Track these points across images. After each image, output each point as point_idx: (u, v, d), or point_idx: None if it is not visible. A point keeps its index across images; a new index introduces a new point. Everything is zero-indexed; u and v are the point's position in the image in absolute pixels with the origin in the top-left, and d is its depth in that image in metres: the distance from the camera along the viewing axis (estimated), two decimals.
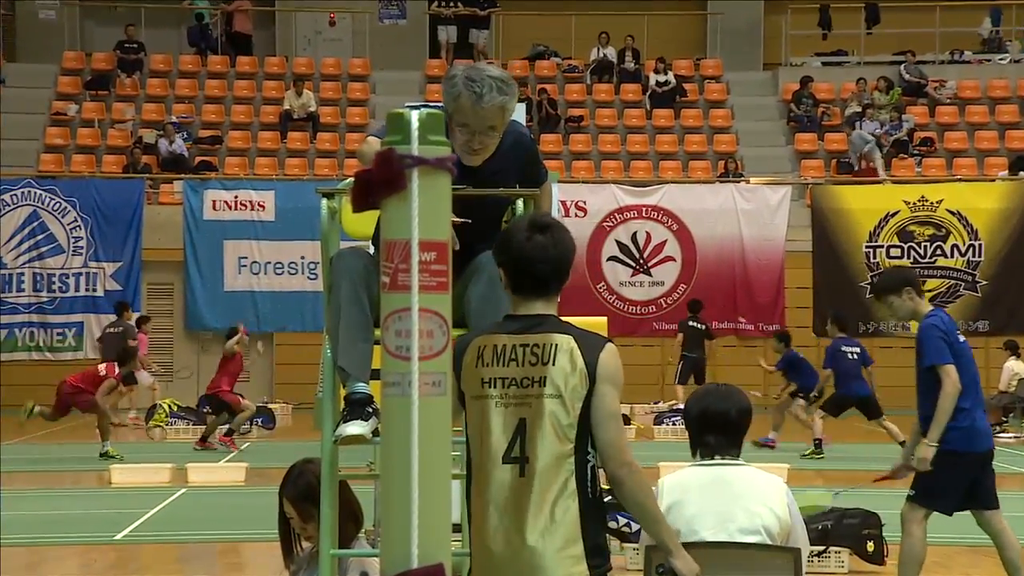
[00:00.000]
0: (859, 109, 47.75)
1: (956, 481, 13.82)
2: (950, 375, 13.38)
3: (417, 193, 3.65)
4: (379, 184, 3.65)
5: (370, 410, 7.63)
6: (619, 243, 43.28)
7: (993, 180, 44.72)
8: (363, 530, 8.77)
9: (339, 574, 8.64)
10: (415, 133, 3.68)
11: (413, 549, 3.73)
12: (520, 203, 8.19)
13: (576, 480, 7.45)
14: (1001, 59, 50.84)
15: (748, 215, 43.64)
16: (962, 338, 14.28)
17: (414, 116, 3.69)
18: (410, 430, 3.69)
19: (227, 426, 30.39)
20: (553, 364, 7.43)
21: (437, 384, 3.73)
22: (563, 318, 7.57)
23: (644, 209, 43.56)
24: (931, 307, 14.54)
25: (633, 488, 7.53)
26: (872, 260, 43.17)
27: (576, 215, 42.36)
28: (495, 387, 7.41)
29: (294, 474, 9.11)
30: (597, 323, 12.71)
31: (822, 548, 16.50)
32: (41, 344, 39.55)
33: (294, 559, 9.06)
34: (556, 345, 7.48)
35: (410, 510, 3.70)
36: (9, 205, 41.95)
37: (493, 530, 7.46)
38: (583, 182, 44.19)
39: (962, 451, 13.63)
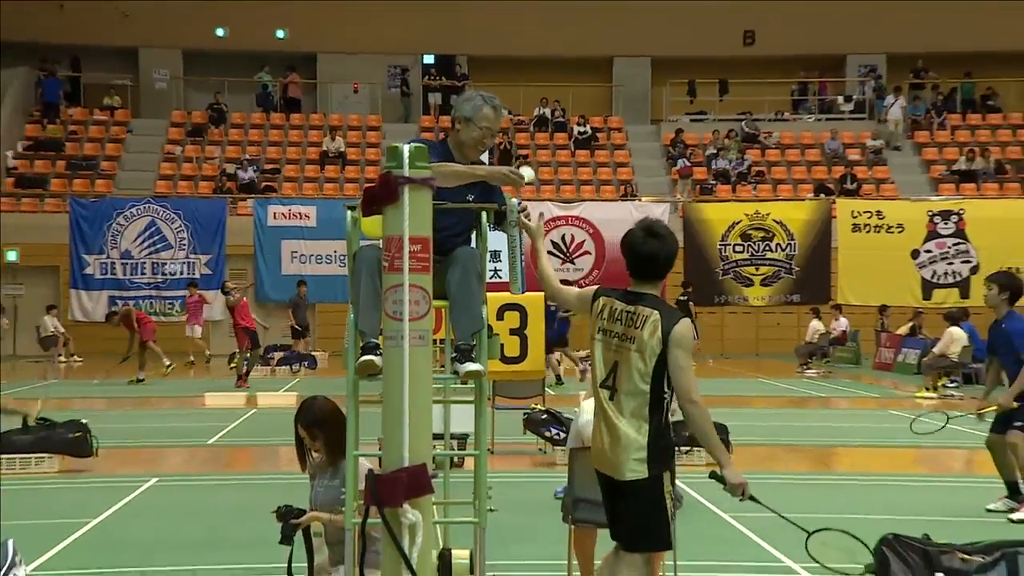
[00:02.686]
0: (715, 151, 47.70)
1: None
2: None
3: (407, 202, 3.61)
4: (380, 196, 3.62)
5: (379, 351, 7.58)
6: (553, 242, 43.05)
7: (803, 200, 44.69)
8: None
9: (340, 479, 8.63)
10: (406, 161, 3.65)
11: (405, 453, 3.67)
12: (483, 215, 8.16)
13: (648, 410, 7.72)
14: (808, 118, 50.87)
15: (632, 223, 43.72)
16: None
17: (405, 149, 3.66)
18: (403, 371, 3.65)
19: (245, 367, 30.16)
20: (641, 329, 7.78)
21: (422, 338, 3.71)
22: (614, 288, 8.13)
23: (569, 219, 43.43)
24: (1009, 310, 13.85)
25: (694, 417, 7.74)
26: (723, 254, 43.11)
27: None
28: (605, 336, 7.89)
29: (304, 407, 9.10)
30: (537, 296, 12.54)
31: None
32: (156, 311, 39.24)
33: (308, 465, 9.02)
34: (646, 317, 7.83)
35: (403, 426, 3.66)
36: (136, 216, 41.78)
37: (595, 431, 7.94)
38: (528, 199, 44.04)
39: None
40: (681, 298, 39.57)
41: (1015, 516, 13.70)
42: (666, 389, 7.76)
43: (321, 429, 8.80)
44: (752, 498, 7.82)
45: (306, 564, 8.54)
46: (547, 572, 10.06)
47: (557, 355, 21.42)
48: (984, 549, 8.95)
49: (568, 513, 9.59)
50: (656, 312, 7.81)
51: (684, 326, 7.85)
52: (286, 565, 8.46)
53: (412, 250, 3.63)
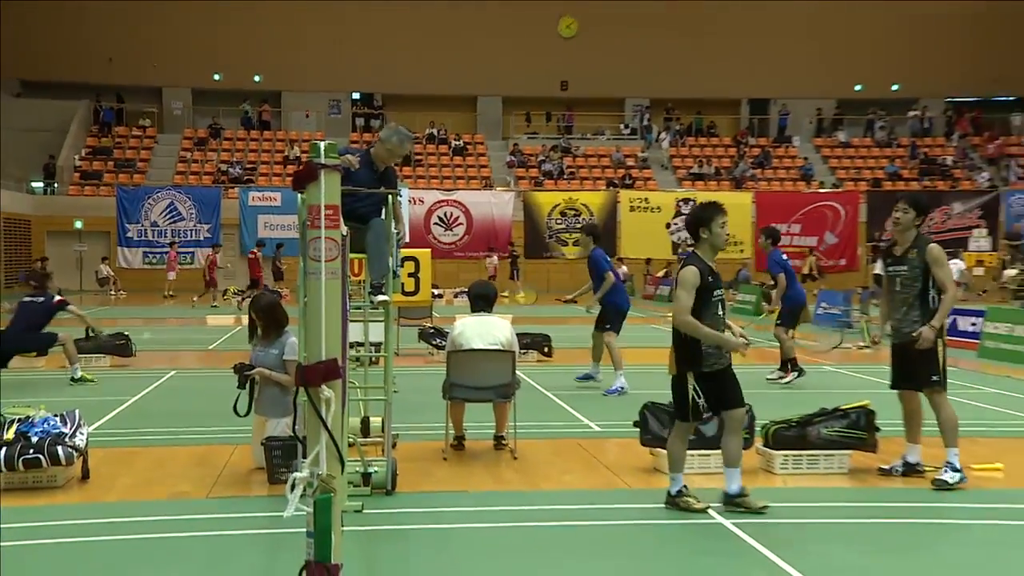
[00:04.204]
0: (543, 158, 47.73)
1: None
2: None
3: (323, 181, 3.61)
4: (304, 177, 3.63)
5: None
6: (439, 216, 43.14)
7: (599, 191, 44.92)
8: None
9: (277, 349, 8.70)
10: (322, 153, 3.64)
11: (322, 350, 3.68)
12: (390, 198, 8.23)
13: (673, 328, 7.43)
14: (601, 137, 51.02)
15: (496, 206, 43.68)
16: None
17: (322, 145, 3.67)
18: (321, 294, 3.63)
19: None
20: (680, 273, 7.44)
21: (334, 273, 3.68)
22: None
23: (449, 201, 43.41)
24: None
25: (681, 326, 7.30)
26: (549, 225, 43.41)
27: (418, 203, 42.24)
28: None
29: (255, 299, 9.44)
30: (425, 251, 12.46)
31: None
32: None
33: (253, 338, 9.02)
34: (681, 265, 7.53)
35: (321, 332, 3.65)
36: (160, 199, 42.02)
37: None
38: (422, 188, 43.90)
39: None
40: (515, 254, 40.02)
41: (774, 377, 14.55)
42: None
43: (264, 314, 8.90)
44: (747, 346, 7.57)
45: (247, 403, 8.63)
46: (432, 431, 10.10)
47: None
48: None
49: (446, 393, 9.62)
50: (688, 263, 7.46)
51: (684, 272, 7.43)
52: (233, 404, 8.44)
53: (327, 213, 3.63)
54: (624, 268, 36.98)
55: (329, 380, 3.65)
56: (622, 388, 13.28)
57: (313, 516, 3.58)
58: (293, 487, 3.61)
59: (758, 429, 8.93)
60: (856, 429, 8.90)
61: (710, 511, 7.45)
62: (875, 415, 8.95)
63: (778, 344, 14.86)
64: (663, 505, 7.47)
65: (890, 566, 6.34)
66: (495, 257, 39.57)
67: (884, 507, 7.71)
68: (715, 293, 7.40)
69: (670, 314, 7.84)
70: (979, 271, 33.41)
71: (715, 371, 7.38)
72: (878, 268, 31.20)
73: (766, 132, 51.97)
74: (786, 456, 8.78)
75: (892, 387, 8.62)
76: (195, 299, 31.10)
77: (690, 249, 7.80)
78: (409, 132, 8.80)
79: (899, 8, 49.48)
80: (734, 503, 7.37)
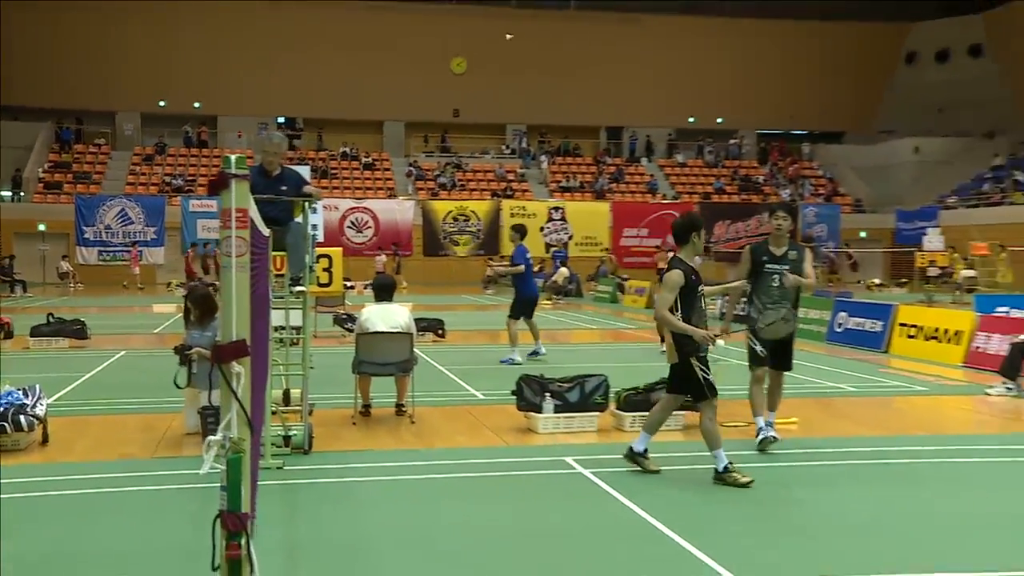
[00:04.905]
0: (439, 172, 47.54)
1: None
2: None
3: (233, 189, 3.50)
4: (218, 185, 3.51)
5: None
6: (351, 221, 42.63)
7: (485, 200, 44.93)
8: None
9: (210, 332, 8.49)
10: (233, 165, 3.52)
11: (233, 332, 3.56)
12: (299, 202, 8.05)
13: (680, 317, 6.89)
14: (486, 156, 50.96)
15: (399, 212, 43.30)
16: None
17: (232, 158, 3.56)
18: (232, 284, 3.51)
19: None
20: (666, 276, 7.09)
21: (243, 267, 3.55)
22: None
23: (360, 208, 42.96)
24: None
25: (658, 318, 7.10)
26: (443, 228, 43.33)
27: (333, 209, 41.70)
28: None
29: (191, 290, 9.45)
30: (337, 250, 12.28)
31: None
32: (123, 260, 37.73)
33: (187, 323, 8.92)
34: (667, 268, 7.20)
35: (232, 316, 3.54)
36: (113, 206, 40.53)
37: None
38: (336, 197, 43.31)
39: None
40: (398, 252, 39.57)
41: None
42: (680, 307, 6.91)
43: (199, 303, 8.78)
44: (714, 340, 7.21)
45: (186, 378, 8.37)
46: (344, 400, 9.97)
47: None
48: (570, 379, 9.04)
49: (355, 368, 9.51)
50: (673, 266, 7.09)
51: (670, 273, 7.04)
52: (174, 378, 8.19)
53: (236, 216, 3.51)
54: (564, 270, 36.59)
55: (239, 357, 3.53)
56: (513, 360, 13.51)
57: (226, 473, 3.47)
58: (208, 448, 3.50)
59: (612, 395, 9.03)
60: None
61: (569, 460, 7.51)
62: None
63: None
64: (534, 458, 7.46)
65: (707, 499, 6.47)
66: (383, 256, 39.13)
67: (708, 455, 7.84)
68: (698, 289, 7.06)
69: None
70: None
71: (706, 355, 7.04)
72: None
73: (620, 153, 52.61)
74: (634, 416, 8.88)
75: (772, 367, 8.12)
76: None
77: (672, 254, 7.41)
78: (274, 133, 8.58)
79: (722, 59, 51.03)
80: (722, 479, 6.81)
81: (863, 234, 46.55)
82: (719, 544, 5.37)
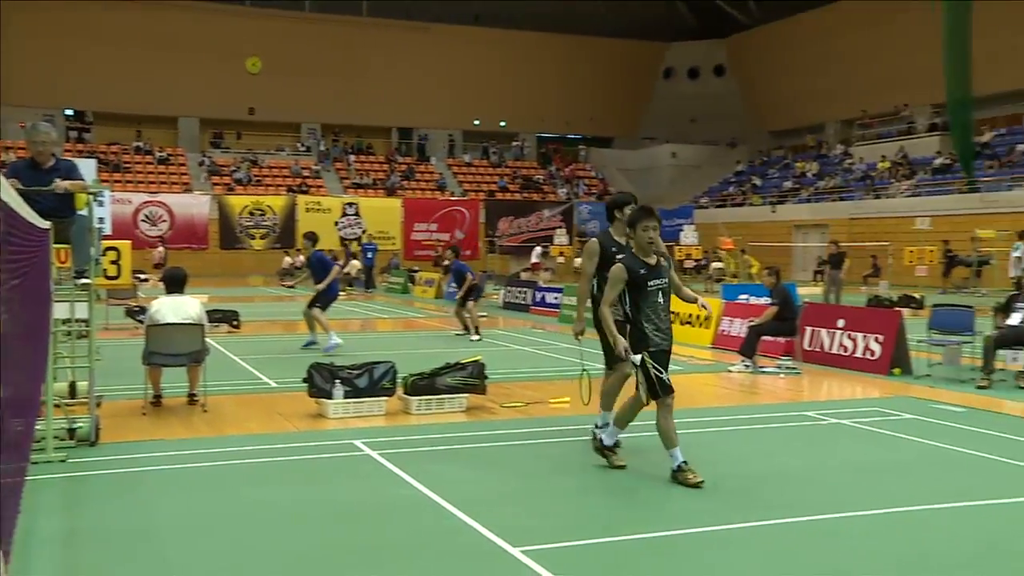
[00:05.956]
0: (235, 168, 45.76)
1: None
2: None
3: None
4: None
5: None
6: (145, 214, 40.48)
7: (281, 195, 43.77)
8: None
9: None
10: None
11: None
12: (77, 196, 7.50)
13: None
14: (281, 153, 49.58)
15: (195, 206, 41.59)
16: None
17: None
18: None
19: None
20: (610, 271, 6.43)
21: None
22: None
23: (153, 202, 40.92)
24: None
25: (599, 313, 6.47)
26: (240, 222, 41.88)
27: (126, 203, 39.51)
28: None
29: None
30: (125, 243, 11.53)
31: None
32: None
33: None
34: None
35: None
36: None
37: None
38: (130, 191, 40.92)
39: None
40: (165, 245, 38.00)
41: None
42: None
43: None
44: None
45: None
46: (135, 391, 9.44)
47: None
48: (359, 366, 8.93)
49: (145, 359, 9.02)
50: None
51: (611, 269, 6.33)
52: None
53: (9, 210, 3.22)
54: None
55: None
56: (338, 343, 13.25)
57: None
58: None
59: (399, 381, 9.02)
60: (471, 378, 9.19)
61: (358, 444, 7.44)
62: (486, 367, 9.28)
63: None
64: (337, 441, 7.33)
65: (485, 474, 6.57)
66: (161, 248, 37.28)
67: (487, 434, 8.01)
68: (650, 284, 6.22)
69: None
70: (561, 259, 35.61)
71: (662, 351, 6.28)
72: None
73: (411, 153, 52.57)
74: (420, 400, 8.92)
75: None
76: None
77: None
78: (40, 124, 7.82)
79: (505, 67, 52.03)
80: (675, 477, 6.19)
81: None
82: (494, 515, 5.47)
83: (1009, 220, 30.41)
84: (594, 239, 7.00)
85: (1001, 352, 10.94)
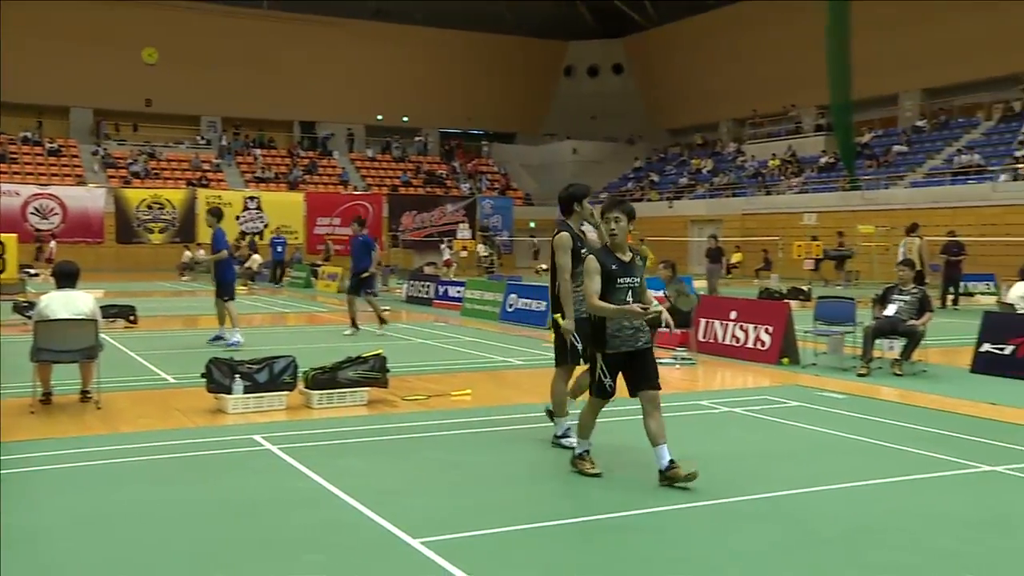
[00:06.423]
0: (132, 161, 44.22)
1: None
2: None
3: None
4: None
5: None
6: (34, 207, 38.83)
7: (180, 189, 42.57)
8: None
9: None
10: None
11: None
12: None
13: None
14: (183, 146, 48.17)
15: (89, 199, 40.27)
16: None
17: None
18: None
19: None
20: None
21: None
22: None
23: (45, 195, 39.34)
24: None
25: (588, 307, 5.94)
26: (137, 216, 40.61)
27: (14, 195, 37.88)
28: None
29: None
30: (11, 236, 11.03)
31: None
32: None
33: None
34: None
35: None
36: None
37: None
38: (17, 183, 39.12)
39: None
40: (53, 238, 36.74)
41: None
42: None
43: None
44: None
45: None
46: (23, 390, 9.04)
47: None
48: (259, 361, 8.72)
49: (33, 356, 8.64)
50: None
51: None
52: None
53: None
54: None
55: None
56: (239, 342, 12.96)
57: None
58: None
59: (300, 375, 8.88)
60: (373, 371, 9.10)
61: (258, 438, 7.30)
62: (387, 360, 9.21)
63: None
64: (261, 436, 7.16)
65: (385, 467, 6.53)
66: (53, 244, 35.90)
67: (389, 427, 7.96)
68: (619, 281, 5.90)
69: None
70: (464, 254, 35.68)
71: (623, 353, 5.95)
72: (447, 254, 32.42)
73: (314, 147, 51.72)
74: (321, 394, 8.80)
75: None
76: None
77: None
78: None
79: (409, 63, 51.71)
80: (667, 477, 5.89)
81: (532, 224, 49.11)
82: (394, 507, 5.44)
83: (886, 216, 31.82)
84: (564, 232, 6.66)
85: (879, 341, 11.43)
